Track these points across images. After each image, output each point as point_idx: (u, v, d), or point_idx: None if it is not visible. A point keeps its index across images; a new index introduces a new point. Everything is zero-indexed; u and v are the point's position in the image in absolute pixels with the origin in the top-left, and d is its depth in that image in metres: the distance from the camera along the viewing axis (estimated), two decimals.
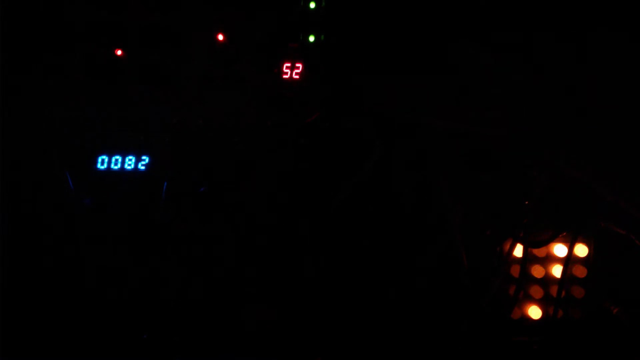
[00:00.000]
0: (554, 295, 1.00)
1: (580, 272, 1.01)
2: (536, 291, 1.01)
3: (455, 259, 0.93)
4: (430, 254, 0.98)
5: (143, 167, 0.98)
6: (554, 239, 0.94)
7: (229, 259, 0.95)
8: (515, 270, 0.99)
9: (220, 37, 0.94)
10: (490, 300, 0.92)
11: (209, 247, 0.94)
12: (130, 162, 0.97)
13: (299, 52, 0.97)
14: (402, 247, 0.99)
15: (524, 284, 0.98)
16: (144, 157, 0.97)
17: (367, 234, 1.00)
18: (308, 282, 0.97)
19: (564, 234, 0.96)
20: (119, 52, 0.94)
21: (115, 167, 0.98)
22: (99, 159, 0.97)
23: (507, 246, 0.97)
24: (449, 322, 0.95)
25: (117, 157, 0.97)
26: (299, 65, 0.97)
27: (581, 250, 1.01)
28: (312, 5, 0.95)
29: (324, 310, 0.98)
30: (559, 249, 1.01)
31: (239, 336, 0.94)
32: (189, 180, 0.95)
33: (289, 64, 0.97)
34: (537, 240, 0.93)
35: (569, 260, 0.96)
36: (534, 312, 1.02)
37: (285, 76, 0.97)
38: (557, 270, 1.01)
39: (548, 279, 1.02)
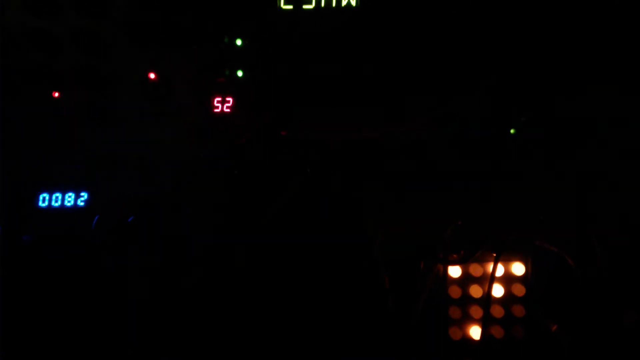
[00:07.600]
0: (494, 315, 1.00)
1: (518, 290, 1.01)
2: (475, 311, 1.01)
3: (379, 281, 0.94)
4: (356, 277, 0.98)
5: (82, 203, 1.01)
6: (469, 258, 0.94)
7: (161, 286, 0.97)
8: (453, 291, 1.00)
9: (152, 75, 0.99)
10: (417, 321, 0.92)
11: (141, 276, 0.96)
12: (69, 199, 1.01)
13: (229, 87, 1.01)
14: (327, 270, 1.00)
15: (451, 304, 0.99)
16: (82, 194, 1.01)
17: (294, 256, 1.00)
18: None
19: (491, 253, 0.97)
20: (56, 94, 0.99)
21: (56, 205, 1.01)
22: (40, 197, 1.00)
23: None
24: (378, 345, 0.95)
25: (58, 194, 1.01)
26: (230, 99, 1.01)
27: (518, 268, 1.02)
28: (239, 42, 1.00)
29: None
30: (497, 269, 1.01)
31: None
32: (122, 212, 0.98)
33: (219, 98, 1.01)
34: (452, 259, 0.94)
35: (493, 280, 0.96)
36: (475, 332, 1.01)
37: (216, 110, 1.01)
38: (497, 290, 1.01)
39: (486, 299, 1.02)
